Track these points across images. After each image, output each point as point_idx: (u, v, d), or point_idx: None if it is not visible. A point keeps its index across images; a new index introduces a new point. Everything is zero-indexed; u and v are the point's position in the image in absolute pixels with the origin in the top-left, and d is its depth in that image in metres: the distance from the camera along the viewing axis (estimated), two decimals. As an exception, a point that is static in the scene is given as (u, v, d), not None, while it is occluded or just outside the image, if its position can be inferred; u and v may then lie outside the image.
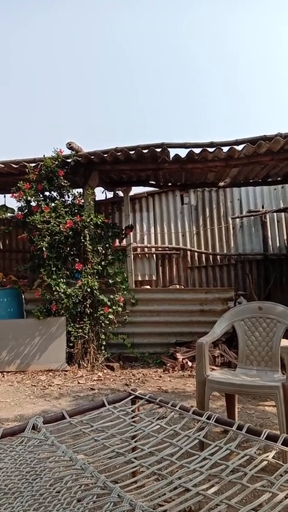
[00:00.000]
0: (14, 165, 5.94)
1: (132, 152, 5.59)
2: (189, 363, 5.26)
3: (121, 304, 5.83)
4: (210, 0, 16.59)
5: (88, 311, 5.59)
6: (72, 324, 5.55)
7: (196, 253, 8.56)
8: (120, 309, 5.82)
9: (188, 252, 8.58)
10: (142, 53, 19.98)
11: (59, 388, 4.64)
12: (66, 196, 6.03)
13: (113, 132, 18.02)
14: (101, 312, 5.63)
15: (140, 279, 8.43)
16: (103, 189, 7.41)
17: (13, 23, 16.79)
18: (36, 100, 20.42)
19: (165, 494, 1.38)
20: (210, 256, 8.54)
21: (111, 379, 4.96)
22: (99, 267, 5.80)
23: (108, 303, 5.71)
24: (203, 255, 8.55)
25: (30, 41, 19.25)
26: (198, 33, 18.25)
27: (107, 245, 5.96)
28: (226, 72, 20.51)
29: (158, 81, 19.99)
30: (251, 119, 18.32)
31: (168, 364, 5.38)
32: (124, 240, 6.85)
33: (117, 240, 6.46)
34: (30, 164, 5.86)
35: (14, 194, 5.80)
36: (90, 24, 17.40)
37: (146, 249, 8.58)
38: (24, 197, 5.77)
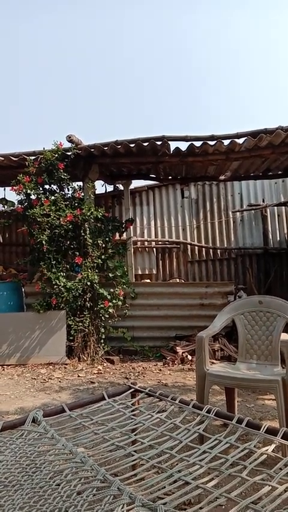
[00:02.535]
0: (13, 158, 5.91)
1: (132, 145, 5.55)
2: (189, 357, 5.27)
3: (121, 297, 5.83)
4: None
5: (88, 305, 5.60)
6: (72, 318, 5.55)
7: (196, 247, 8.55)
8: (120, 302, 5.82)
9: (188, 246, 8.56)
10: (143, 48, 19.83)
11: (59, 381, 4.65)
12: (66, 189, 6.00)
13: (113, 125, 17.95)
14: (101, 305, 5.63)
15: (140, 272, 8.42)
16: (103, 183, 7.38)
17: (16, 18, 16.65)
18: (36, 93, 20.30)
19: (165, 487, 1.38)
20: (211, 250, 8.52)
21: (111, 373, 4.97)
22: (99, 260, 5.79)
23: (108, 297, 5.71)
24: (203, 248, 8.54)
25: (31, 36, 19.10)
26: (199, 28, 18.13)
27: (107, 239, 5.94)
28: (226, 68, 20.37)
29: (158, 76, 19.89)
30: (250, 115, 18.24)
31: (168, 358, 5.39)
32: (124, 234, 6.83)
33: (117, 234, 6.44)
34: (30, 157, 5.82)
35: (14, 187, 5.77)
36: (93, 20, 17.25)
37: (146, 243, 8.56)
38: (24, 190, 5.74)
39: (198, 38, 19.39)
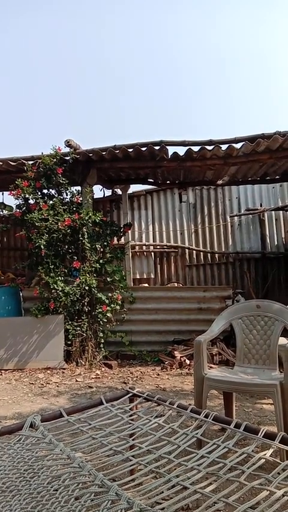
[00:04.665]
0: (12, 163, 5.92)
1: (130, 150, 5.57)
2: (187, 361, 5.26)
3: (119, 302, 5.82)
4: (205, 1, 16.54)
5: (86, 309, 5.59)
6: (70, 322, 5.55)
7: (194, 252, 8.57)
8: (118, 307, 5.81)
9: (186, 250, 8.58)
10: (137, 52, 19.96)
11: (57, 386, 4.64)
12: (65, 194, 6.01)
13: (111, 130, 18.01)
14: (99, 310, 5.63)
15: (138, 277, 8.42)
16: (101, 187, 7.40)
17: (12, 20, 16.71)
18: (35, 98, 20.37)
19: (163, 492, 1.38)
20: (209, 254, 8.54)
21: (109, 377, 4.96)
22: (98, 265, 5.79)
23: (107, 301, 5.71)
24: (201, 253, 8.55)
25: (30, 39, 19.20)
26: (191, 33, 18.26)
27: (105, 243, 5.95)
28: (220, 75, 20.48)
29: (154, 82, 19.99)
30: (243, 123, 18.32)
31: (166, 362, 5.38)
32: (122, 238, 6.85)
33: (115, 238, 6.46)
34: (28, 162, 5.84)
35: (12, 192, 5.78)
36: (88, 24, 17.33)
37: (144, 247, 8.57)
38: (22, 195, 5.76)
39: (190, 43, 19.51)
